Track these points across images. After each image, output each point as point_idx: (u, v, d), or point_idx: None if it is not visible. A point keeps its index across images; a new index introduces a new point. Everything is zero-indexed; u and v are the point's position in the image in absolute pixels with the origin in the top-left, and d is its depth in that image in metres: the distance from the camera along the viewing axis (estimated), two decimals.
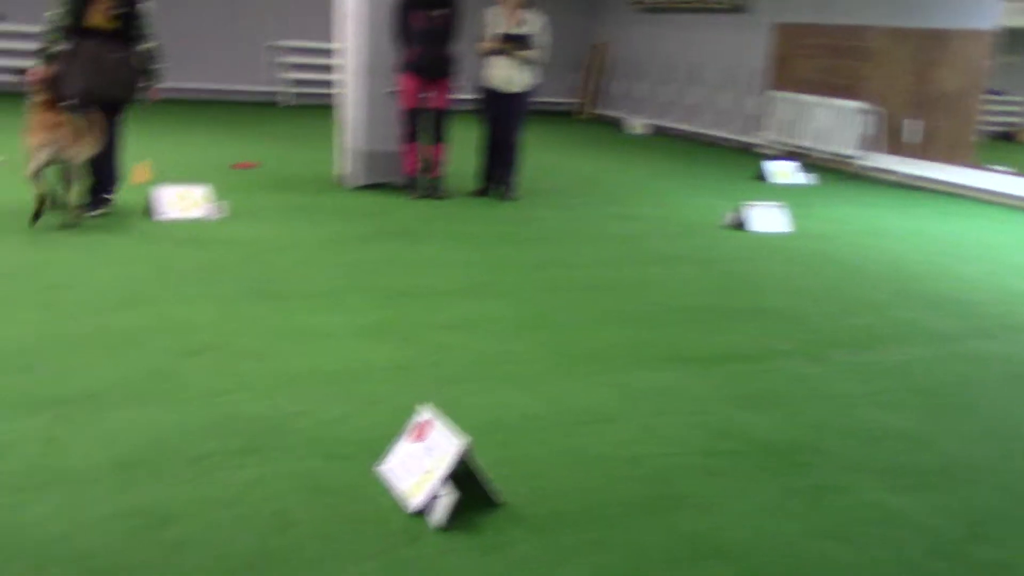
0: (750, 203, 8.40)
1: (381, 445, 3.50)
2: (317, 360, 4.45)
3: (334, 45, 9.25)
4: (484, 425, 3.81)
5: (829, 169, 12.75)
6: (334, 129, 9.24)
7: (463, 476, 3.18)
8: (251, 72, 15.65)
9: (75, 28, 6.57)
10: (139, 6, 6.85)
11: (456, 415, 3.67)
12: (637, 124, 16.10)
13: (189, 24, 14.71)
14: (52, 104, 6.41)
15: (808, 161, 13.06)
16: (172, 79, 13.75)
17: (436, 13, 8.30)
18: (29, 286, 5.28)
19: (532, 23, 8.68)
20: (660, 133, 16.04)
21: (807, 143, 13.21)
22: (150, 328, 4.72)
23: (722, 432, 3.96)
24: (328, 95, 13.16)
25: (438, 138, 8.64)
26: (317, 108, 15.32)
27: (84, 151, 6.55)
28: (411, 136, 8.59)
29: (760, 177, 11.39)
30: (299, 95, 15.89)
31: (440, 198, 8.67)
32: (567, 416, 4.01)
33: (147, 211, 7.15)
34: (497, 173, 9.03)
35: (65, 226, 6.48)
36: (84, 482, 3.17)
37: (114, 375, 4.09)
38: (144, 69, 6.90)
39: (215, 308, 5.12)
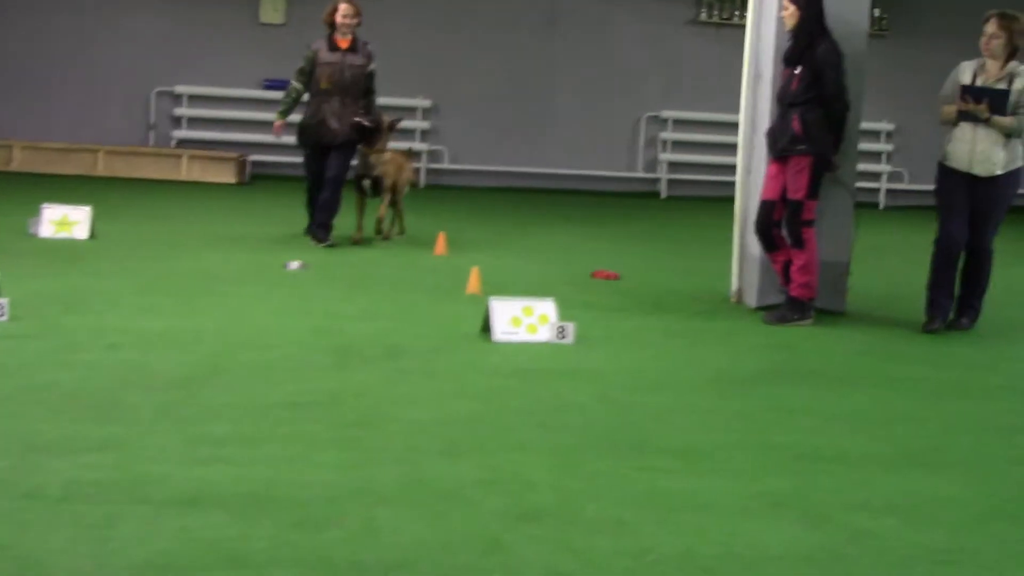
0: None
1: None
2: (689, 539, 4.44)
3: (738, 116, 9.29)
4: None
5: None
6: (733, 230, 9.31)
7: None
8: (619, 155, 16.19)
9: None
10: None
11: None
12: None
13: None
14: None
15: None
16: (521, 162, 14.56)
17: (793, 71, 8.28)
18: (332, 420, 5.71)
19: (1018, 77, 8.29)
20: None
21: None
22: (475, 482, 4.94)
23: None
24: (719, 183, 13.35)
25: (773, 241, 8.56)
26: (710, 201, 15.47)
27: None
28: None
29: None
30: (680, 183, 16.18)
31: (782, 321, 8.44)
32: None
33: (482, 330, 7.53)
34: (942, 293, 8.54)
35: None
36: None
37: (429, 540, 4.29)
38: None
39: (558, 461, 5.27)
